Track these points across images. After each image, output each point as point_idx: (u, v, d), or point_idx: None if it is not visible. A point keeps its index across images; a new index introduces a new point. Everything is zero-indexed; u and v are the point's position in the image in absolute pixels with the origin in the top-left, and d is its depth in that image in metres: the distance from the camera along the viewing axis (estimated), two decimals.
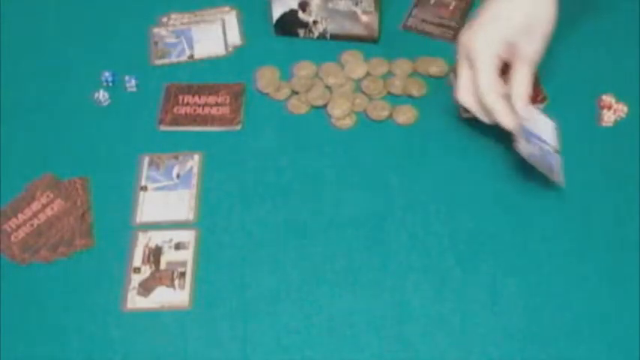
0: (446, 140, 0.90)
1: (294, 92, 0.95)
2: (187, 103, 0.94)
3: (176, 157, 0.90)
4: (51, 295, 0.80)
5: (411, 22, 1.01)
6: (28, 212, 0.86)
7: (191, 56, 0.99)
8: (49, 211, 0.86)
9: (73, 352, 0.76)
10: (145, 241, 0.83)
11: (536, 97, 0.86)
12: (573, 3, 0.84)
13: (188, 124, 0.92)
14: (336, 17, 0.97)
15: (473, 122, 0.88)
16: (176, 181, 0.88)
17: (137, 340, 0.77)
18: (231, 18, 1.03)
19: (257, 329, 0.77)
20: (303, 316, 0.78)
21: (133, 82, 0.96)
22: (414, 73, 0.96)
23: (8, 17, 1.05)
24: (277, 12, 0.98)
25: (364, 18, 0.97)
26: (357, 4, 0.95)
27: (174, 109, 0.93)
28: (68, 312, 0.79)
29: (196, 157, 0.90)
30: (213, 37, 1.01)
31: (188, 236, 0.83)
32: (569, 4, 0.84)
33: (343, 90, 0.94)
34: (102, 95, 0.95)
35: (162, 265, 0.81)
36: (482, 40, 0.82)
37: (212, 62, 0.99)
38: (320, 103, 0.93)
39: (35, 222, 0.85)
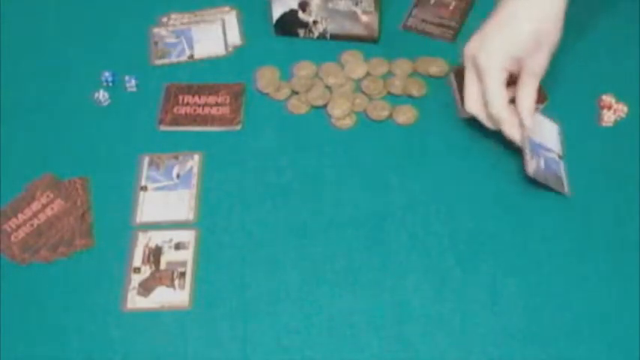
0: (446, 140, 0.90)
1: (294, 92, 0.95)
2: (187, 103, 0.94)
3: (176, 157, 0.90)
4: (51, 295, 0.80)
5: (411, 22, 1.01)
6: (28, 212, 0.86)
7: (191, 56, 0.99)
8: (49, 211, 0.86)
9: (73, 352, 0.76)
10: (145, 241, 0.83)
11: (536, 97, 0.86)
12: (576, 5, 0.84)
13: (188, 124, 0.92)
14: (336, 17, 0.97)
15: (473, 122, 0.88)
16: (176, 181, 0.88)
17: (137, 340, 0.77)
18: (231, 18, 1.03)
19: (257, 329, 0.77)
20: (303, 316, 0.78)
21: (133, 82, 0.96)
22: (414, 73, 0.96)
23: (8, 17, 1.05)
24: (277, 12, 0.98)
25: (364, 18, 0.97)
26: (357, 4, 0.95)
27: (174, 109, 0.93)
28: (68, 312, 0.79)
29: (196, 157, 0.90)
30: (213, 37, 1.01)
31: (188, 236, 0.83)
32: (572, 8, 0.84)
33: (343, 90, 0.94)
34: (102, 95, 0.95)
35: (163, 265, 0.81)
36: (490, 54, 0.82)
37: (212, 62, 0.99)
38: (320, 103, 0.93)
39: (35, 222, 0.85)
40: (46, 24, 1.04)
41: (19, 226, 0.85)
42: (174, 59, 0.99)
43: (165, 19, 1.04)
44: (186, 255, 0.82)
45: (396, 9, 1.02)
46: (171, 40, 1.01)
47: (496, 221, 0.83)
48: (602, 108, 0.91)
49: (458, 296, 0.78)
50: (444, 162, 0.88)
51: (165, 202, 0.86)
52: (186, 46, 1.00)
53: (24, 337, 0.77)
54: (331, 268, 0.81)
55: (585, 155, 0.88)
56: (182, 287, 0.80)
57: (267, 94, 0.95)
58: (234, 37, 1.01)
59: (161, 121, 0.93)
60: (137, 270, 0.81)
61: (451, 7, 1.02)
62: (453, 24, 1.01)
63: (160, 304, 0.79)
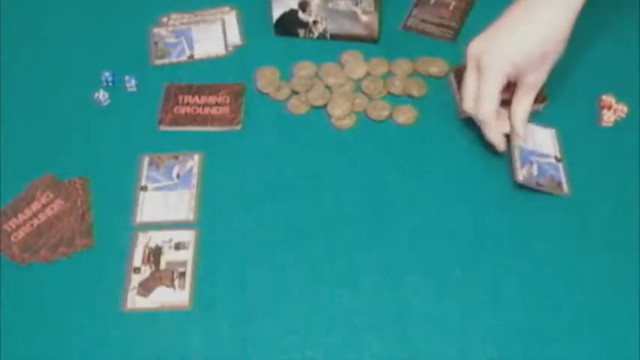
0: (446, 140, 0.90)
1: (294, 92, 0.95)
2: (187, 103, 0.94)
3: (176, 157, 0.90)
4: (51, 295, 0.80)
5: (411, 22, 1.01)
6: (28, 212, 0.86)
7: (191, 56, 0.99)
8: (49, 211, 0.86)
9: (73, 352, 0.76)
10: (145, 241, 0.83)
11: (536, 97, 0.86)
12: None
13: (188, 124, 0.92)
14: (336, 17, 0.97)
15: (473, 122, 0.88)
16: (176, 181, 0.88)
17: (137, 340, 0.77)
18: (231, 18, 1.03)
19: (257, 329, 0.77)
20: (303, 316, 0.78)
21: (133, 82, 0.96)
22: (414, 73, 0.96)
23: (8, 17, 1.05)
24: (277, 12, 0.98)
25: (364, 18, 0.97)
26: (357, 4, 0.95)
27: (174, 109, 0.93)
28: (68, 312, 0.79)
29: (196, 157, 0.90)
30: (213, 37, 1.01)
31: (188, 236, 0.83)
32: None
33: (343, 90, 0.94)
34: (102, 95, 0.95)
35: (163, 265, 0.81)
36: (496, 56, 0.82)
37: (212, 62, 0.99)
38: (320, 103, 0.93)
39: (35, 222, 0.85)
40: (46, 24, 1.04)
41: (19, 226, 0.85)
42: (174, 59, 0.99)
43: (165, 19, 1.04)
44: (186, 255, 0.82)
45: (396, 9, 1.02)
46: (171, 40, 1.01)
47: (496, 221, 0.83)
48: (602, 108, 0.91)
49: (458, 296, 0.78)
50: (444, 162, 0.88)
51: (166, 202, 0.86)
52: (186, 46, 1.00)
53: (24, 337, 0.77)
54: (331, 268, 0.81)
55: (585, 155, 0.88)
56: (182, 287, 0.80)
57: (267, 94, 0.95)
58: (234, 37, 1.01)
59: (161, 121, 0.93)
60: (137, 270, 0.81)
61: (451, 7, 1.02)
62: (453, 24, 1.01)
63: (160, 304, 0.79)
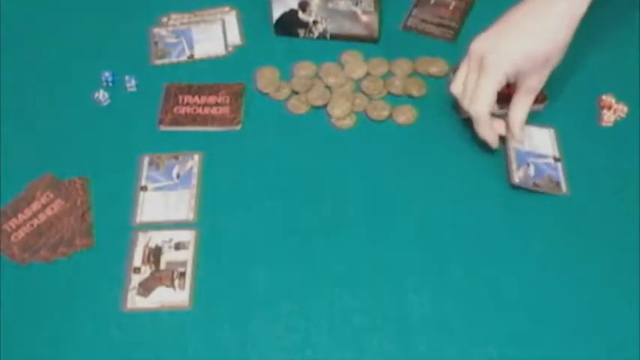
0: (446, 140, 0.90)
1: (294, 92, 0.95)
2: (187, 103, 0.94)
3: (176, 157, 0.90)
4: (51, 295, 0.80)
5: (411, 22, 1.01)
6: (28, 212, 0.86)
7: (191, 56, 0.99)
8: (49, 211, 0.86)
9: (73, 352, 0.76)
10: (145, 241, 0.83)
11: (536, 98, 0.86)
12: None
13: (188, 124, 0.92)
14: (336, 17, 0.97)
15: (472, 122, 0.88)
16: (176, 181, 0.88)
17: (137, 340, 0.77)
18: (231, 18, 1.03)
19: (257, 329, 0.77)
20: (303, 316, 0.78)
21: (133, 82, 0.96)
22: (414, 73, 0.96)
23: (8, 17, 1.05)
24: (277, 12, 0.98)
25: (364, 18, 0.97)
26: (357, 4, 0.95)
27: (174, 109, 0.93)
28: (68, 312, 0.79)
29: (196, 157, 0.90)
30: (213, 37, 1.01)
31: (188, 236, 0.83)
32: None
33: (343, 90, 0.94)
34: (102, 95, 0.95)
35: (162, 265, 0.81)
36: (501, 58, 0.82)
37: (212, 62, 0.99)
38: (320, 103, 0.93)
39: (35, 222, 0.85)
40: (46, 24, 1.04)
41: (19, 226, 0.85)
42: (174, 59, 0.99)
43: (165, 19, 1.04)
44: (186, 255, 0.82)
45: (396, 9, 1.02)
46: (171, 40, 1.01)
47: (496, 221, 0.83)
48: (602, 108, 0.91)
49: (458, 296, 0.78)
50: (444, 162, 0.88)
51: (166, 202, 0.86)
52: (186, 46, 1.00)
53: (24, 337, 0.77)
54: (331, 268, 0.81)
55: (585, 155, 0.88)
56: (182, 287, 0.80)
57: (267, 94, 0.95)
58: (234, 37, 1.01)
59: (161, 121, 0.93)
60: (137, 270, 0.81)
61: (451, 7, 1.02)
62: (453, 24, 1.01)
63: (160, 304, 0.79)
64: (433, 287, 0.79)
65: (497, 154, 0.87)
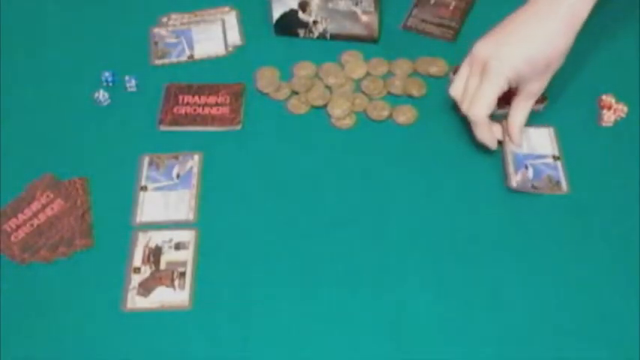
0: (446, 140, 0.90)
1: (294, 92, 0.95)
2: (187, 103, 0.94)
3: (176, 157, 0.90)
4: (51, 295, 0.80)
5: (411, 22, 1.01)
6: (28, 212, 0.86)
7: (191, 56, 0.99)
8: (49, 211, 0.86)
9: (73, 352, 0.76)
10: (144, 241, 0.83)
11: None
12: None
13: (188, 124, 0.92)
14: (336, 17, 0.97)
15: None
16: (176, 181, 0.88)
17: (137, 340, 0.77)
18: (231, 18, 1.03)
19: (257, 329, 0.77)
20: (303, 316, 0.78)
21: (133, 82, 0.96)
22: (414, 73, 0.96)
23: (8, 17, 1.05)
24: (277, 12, 0.98)
25: (364, 18, 0.97)
26: (357, 4, 0.95)
27: (174, 109, 0.93)
28: (68, 312, 0.79)
29: (196, 157, 0.90)
30: (213, 37, 1.01)
31: (188, 236, 0.83)
32: None
33: (343, 90, 0.94)
34: (102, 95, 0.95)
35: (162, 265, 0.81)
36: (504, 64, 0.82)
37: (212, 62, 0.99)
38: (320, 103, 0.93)
39: (35, 222, 0.85)
40: (46, 24, 1.04)
41: (19, 226, 0.85)
42: (174, 59, 0.99)
43: (165, 19, 1.04)
44: (186, 255, 0.82)
45: (396, 9, 1.02)
46: (171, 40, 1.01)
47: (496, 220, 0.83)
48: (602, 108, 0.91)
49: (458, 296, 0.78)
50: (444, 162, 0.88)
51: (166, 202, 0.86)
52: (186, 46, 1.00)
53: (24, 337, 0.77)
54: (331, 268, 0.81)
55: (585, 155, 0.88)
56: (182, 287, 0.80)
57: (267, 94, 0.95)
58: (234, 37, 1.01)
59: (161, 121, 0.93)
60: (137, 270, 0.81)
61: (451, 7, 1.02)
62: (453, 24, 1.01)
63: (160, 304, 0.79)
64: (433, 287, 0.79)
65: (497, 153, 0.87)
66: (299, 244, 0.82)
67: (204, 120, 0.92)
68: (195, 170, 0.88)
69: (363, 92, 0.94)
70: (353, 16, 0.97)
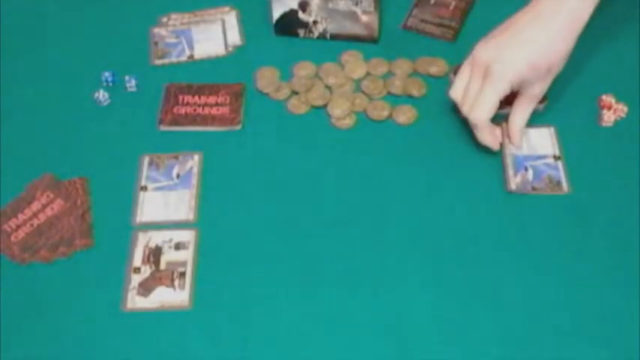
0: (446, 140, 0.90)
1: (294, 92, 0.95)
2: (187, 103, 0.94)
3: (176, 157, 0.90)
4: (51, 295, 0.80)
5: (411, 22, 1.01)
6: (28, 212, 0.86)
7: (191, 56, 0.99)
8: (49, 211, 0.86)
9: (73, 352, 0.76)
10: (144, 241, 0.83)
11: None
12: None
13: (188, 124, 0.92)
14: (336, 17, 0.97)
15: None
16: (176, 181, 0.88)
17: (137, 340, 0.77)
18: (231, 18, 1.03)
19: (257, 329, 0.77)
20: (303, 316, 0.78)
21: (133, 82, 0.96)
22: (414, 73, 0.96)
23: (8, 17, 1.05)
24: (277, 12, 0.98)
25: (364, 18, 0.97)
26: (357, 4, 0.95)
27: (174, 109, 0.93)
28: (68, 312, 0.79)
29: (196, 157, 0.90)
30: (213, 37, 1.01)
31: (188, 236, 0.83)
32: None
33: (343, 90, 0.94)
34: (102, 95, 0.95)
35: (162, 265, 0.81)
36: (507, 67, 0.82)
37: (212, 62, 0.99)
38: (320, 103, 0.93)
39: (35, 222, 0.85)
40: (46, 24, 1.04)
41: (19, 226, 0.85)
42: (174, 59, 0.99)
43: (165, 19, 1.04)
44: (186, 255, 0.82)
45: (396, 9, 1.02)
46: (172, 40, 1.01)
47: (496, 220, 0.83)
48: (602, 108, 0.91)
49: (458, 296, 0.78)
50: (444, 162, 0.88)
51: (166, 202, 0.86)
52: (186, 46, 1.00)
53: (24, 337, 0.77)
54: (331, 268, 0.81)
55: (585, 155, 0.88)
56: (182, 287, 0.80)
57: (267, 94, 0.95)
58: (234, 37, 1.01)
59: (161, 121, 0.93)
60: (137, 270, 0.81)
61: (451, 7, 1.02)
62: (453, 24, 1.01)
63: (160, 304, 0.79)
64: (433, 287, 0.79)
65: (497, 153, 0.87)
66: (299, 244, 0.82)
67: (204, 120, 0.92)
68: (195, 170, 0.88)
69: (363, 92, 0.94)
70: (353, 16, 0.97)
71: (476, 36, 0.87)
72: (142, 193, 0.87)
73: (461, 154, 0.88)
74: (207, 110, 0.93)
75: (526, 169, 0.86)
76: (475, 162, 0.88)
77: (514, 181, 0.84)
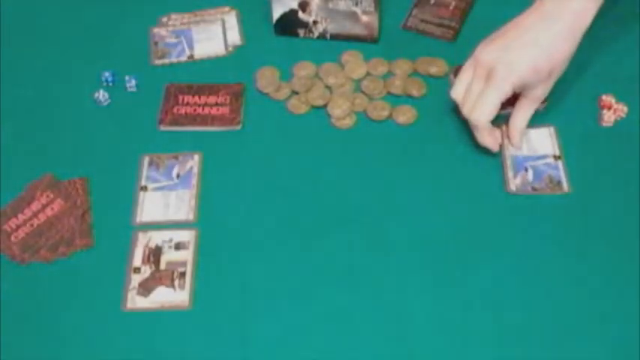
0: (446, 140, 0.90)
1: (294, 92, 0.95)
2: (187, 103, 0.94)
3: (176, 157, 0.90)
4: (51, 295, 0.80)
5: (411, 22, 1.01)
6: (28, 212, 0.86)
7: (191, 56, 0.99)
8: (49, 211, 0.86)
9: (74, 352, 0.76)
10: (145, 241, 0.83)
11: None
12: None
13: (188, 124, 0.92)
14: (336, 17, 0.97)
15: None
16: (176, 181, 0.88)
17: (137, 340, 0.77)
18: (231, 18, 1.03)
19: (257, 329, 0.77)
20: (303, 316, 0.78)
21: (133, 82, 0.96)
22: (414, 73, 0.96)
23: (8, 17, 1.05)
24: (277, 12, 0.98)
25: (364, 18, 0.97)
26: (357, 4, 0.95)
27: (174, 109, 0.93)
28: (68, 312, 0.79)
29: (196, 157, 0.90)
30: (213, 37, 1.01)
31: (188, 236, 0.83)
32: None
33: (343, 90, 0.94)
34: (102, 95, 0.95)
35: (162, 265, 0.81)
36: (511, 70, 0.82)
37: (212, 62, 0.99)
38: (320, 103, 0.93)
39: (35, 222, 0.85)
40: (46, 24, 1.04)
41: (19, 226, 0.85)
42: (174, 59, 0.99)
43: (165, 19, 1.04)
44: (186, 255, 0.82)
45: (396, 9, 1.02)
46: (171, 40, 1.01)
47: (496, 220, 0.83)
48: (602, 108, 0.91)
49: (458, 296, 0.78)
50: (444, 161, 0.88)
51: (166, 202, 0.86)
52: (186, 46, 1.00)
53: (24, 337, 0.77)
54: (331, 268, 0.81)
55: (585, 155, 0.88)
56: (182, 287, 0.80)
57: (267, 94, 0.95)
58: (234, 37, 1.01)
59: (161, 121, 0.93)
60: (137, 270, 0.81)
61: (451, 7, 1.02)
62: (453, 24, 1.01)
63: (160, 304, 0.79)
64: (433, 287, 0.79)
65: (497, 153, 0.87)
66: (299, 244, 0.82)
67: (204, 120, 0.92)
68: (195, 170, 0.88)
69: (363, 92, 0.94)
70: (353, 16, 0.97)
71: (476, 36, 0.87)
72: (142, 193, 0.87)
73: (461, 153, 0.88)
74: (207, 110, 0.93)
75: (526, 169, 0.86)
76: (475, 162, 0.88)
77: (514, 183, 0.84)
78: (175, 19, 1.03)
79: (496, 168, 0.87)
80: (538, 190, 0.84)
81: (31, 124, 0.93)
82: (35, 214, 0.85)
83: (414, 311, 0.77)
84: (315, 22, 0.98)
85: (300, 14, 0.98)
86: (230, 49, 1.00)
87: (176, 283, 0.80)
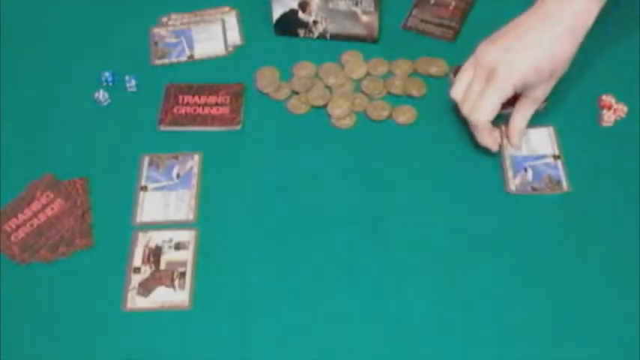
0: (446, 140, 0.90)
1: (294, 92, 0.95)
2: (187, 103, 0.94)
3: (176, 157, 0.90)
4: (51, 295, 0.80)
5: (411, 22, 1.01)
6: (28, 212, 0.86)
7: (191, 56, 0.99)
8: (49, 211, 0.86)
9: (73, 352, 0.76)
10: (145, 241, 0.83)
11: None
12: None
13: (188, 124, 0.92)
14: (336, 17, 0.97)
15: None
16: (176, 181, 0.88)
17: (137, 340, 0.77)
18: (231, 18, 1.03)
19: (257, 329, 0.77)
20: (303, 316, 0.78)
21: (133, 82, 0.96)
22: (414, 73, 0.96)
23: (8, 17, 1.05)
24: (277, 12, 0.98)
25: (364, 18, 0.97)
26: (357, 4, 0.95)
27: (174, 109, 0.93)
28: (68, 312, 0.79)
29: (196, 157, 0.90)
30: (213, 37, 1.01)
31: (188, 236, 0.83)
32: None
33: (343, 90, 0.94)
34: (102, 95, 0.95)
35: (162, 265, 0.81)
36: (512, 71, 0.81)
37: (212, 62, 0.99)
38: (320, 103, 0.93)
39: (35, 222, 0.85)
40: (46, 24, 1.04)
41: (19, 226, 0.85)
42: (174, 59, 0.99)
43: (165, 19, 1.04)
44: (186, 255, 0.82)
45: (396, 9, 1.02)
46: (172, 40, 1.01)
47: (496, 220, 0.83)
48: (602, 108, 0.91)
49: (458, 296, 0.78)
50: (444, 161, 0.88)
51: (166, 202, 0.86)
52: (186, 46, 1.00)
53: (24, 337, 0.77)
54: (331, 268, 0.81)
55: (585, 155, 0.88)
56: (182, 287, 0.80)
57: (267, 94, 0.95)
58: (234, 37, 1.01)
59: (161, 121, 0.93)
60: (137, 270, 0.81)
61: (451, 7, 1.02)
62: (453, 24, 1.01)
63: (160, 304, 0.79)
64: (433, 287, 0.79)
65: (497, 153, 0.87)
66: (299, 244, 0.82)
67: (204, 120, 0.92)
68: (195, 170, 0.88)
69: (363, 92, 0.94)
70: (353, 16, 0.97)
71: (476, 36, 0.87)
72: (142, 193, 0.87)
73: (461, 153, 0.88)
74: (207, 110, 0.93)
75: (525, 169, 0.86)
76: (475, 162, 0.88)
77: (513, 183, 0.85)
78: (175, 19, 1.03)
79: (496, 168, 0.87)
80: (538, 190, 0.84)
81: (31, 124, 0.93)
82: (35, 214, 0.85)
83: (414, 311, 0.77)
84: (315, 22, 0.98)
85: (300, 14, 0.98)
86: (230, 49, 1.00)
87: (176, 283, 0.80)
